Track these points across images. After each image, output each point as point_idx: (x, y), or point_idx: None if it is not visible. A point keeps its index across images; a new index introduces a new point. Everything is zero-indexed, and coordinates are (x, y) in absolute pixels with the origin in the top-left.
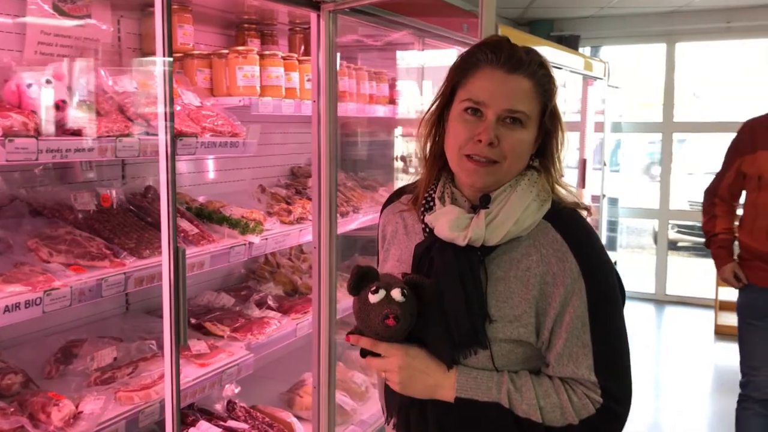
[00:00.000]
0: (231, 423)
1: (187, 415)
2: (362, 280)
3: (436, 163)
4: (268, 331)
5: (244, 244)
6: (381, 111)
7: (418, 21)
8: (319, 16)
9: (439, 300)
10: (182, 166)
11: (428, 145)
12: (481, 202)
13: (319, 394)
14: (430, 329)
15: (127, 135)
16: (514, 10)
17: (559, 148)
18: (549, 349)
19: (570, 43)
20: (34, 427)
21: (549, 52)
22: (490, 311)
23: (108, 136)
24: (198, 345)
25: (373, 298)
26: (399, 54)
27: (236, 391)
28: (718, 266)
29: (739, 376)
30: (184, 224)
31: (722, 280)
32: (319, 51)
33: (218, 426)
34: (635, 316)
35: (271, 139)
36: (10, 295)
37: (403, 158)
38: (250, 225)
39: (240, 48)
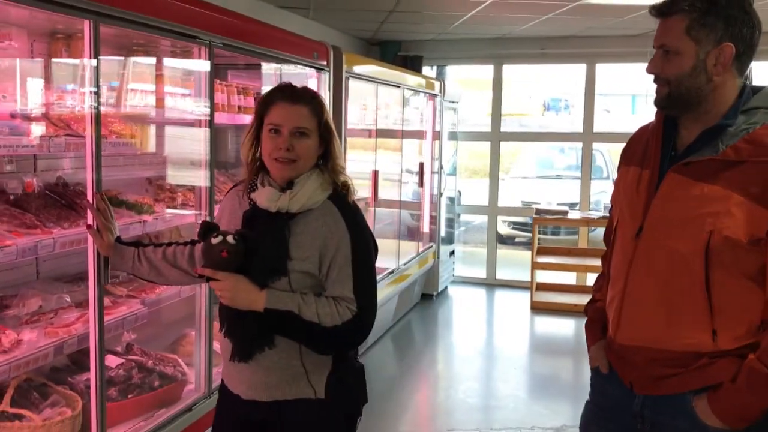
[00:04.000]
0: (131, 357)
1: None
2: (208, 230)
3: (255, 163)
4: (158, 291)
5: (140, 222)
6: (247, 119)
7: (279, 52)
8: (200, 49)
9: (259, 246)
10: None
11: (250, 154)
12: (287, 185)
13: (201, 340)
14: (251, 265)
15: (56, 136)
16: (366, 32)
17: (336, 153)
18: (326, 279)
19: (414, 62)
20: None
21: (390, 73)
22: (291, 254)
23: (44, 137)
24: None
25: (214, 241)
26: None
27: (133, 338)
28: (587, 346)
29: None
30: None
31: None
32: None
33: (122, 359)
34: (472, 297)
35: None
36: None
37: None
38: (144, 207)
39: None
